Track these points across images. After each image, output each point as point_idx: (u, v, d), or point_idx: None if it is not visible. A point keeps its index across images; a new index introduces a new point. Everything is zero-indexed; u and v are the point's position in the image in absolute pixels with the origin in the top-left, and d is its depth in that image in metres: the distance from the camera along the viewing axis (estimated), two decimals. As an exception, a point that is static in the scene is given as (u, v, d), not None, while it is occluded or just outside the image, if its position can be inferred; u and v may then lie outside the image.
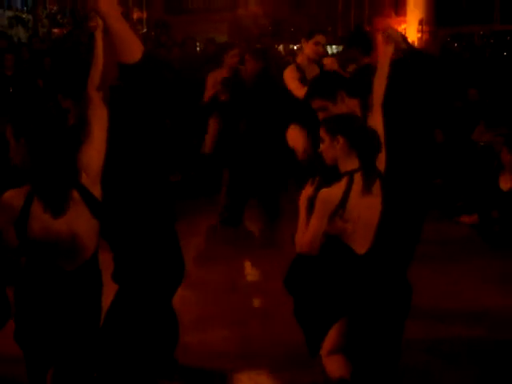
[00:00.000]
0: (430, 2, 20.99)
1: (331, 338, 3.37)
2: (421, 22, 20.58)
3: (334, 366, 3.35)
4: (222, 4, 21.07)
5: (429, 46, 14.73)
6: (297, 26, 17.71)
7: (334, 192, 3.25)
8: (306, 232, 3.29)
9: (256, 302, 5.31)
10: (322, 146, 3.38)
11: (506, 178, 6.96)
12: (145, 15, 19.11)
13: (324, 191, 3.25)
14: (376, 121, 3.51)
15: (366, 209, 3.28)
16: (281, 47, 15.77)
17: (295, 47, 15.50)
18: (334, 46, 18.48)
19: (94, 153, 3.07)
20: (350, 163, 3.30)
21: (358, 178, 3.27)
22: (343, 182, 3.26)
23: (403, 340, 3.85)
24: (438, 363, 4.24)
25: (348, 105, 3.68)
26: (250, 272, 6.05)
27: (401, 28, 20.12)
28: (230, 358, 4.33)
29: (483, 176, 7.18)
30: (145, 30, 18.36)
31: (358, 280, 3.31)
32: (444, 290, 5.37)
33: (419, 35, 19.98)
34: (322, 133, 3.37)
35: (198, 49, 12.34)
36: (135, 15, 18.36)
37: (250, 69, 6.77)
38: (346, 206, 3.22)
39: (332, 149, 3.33)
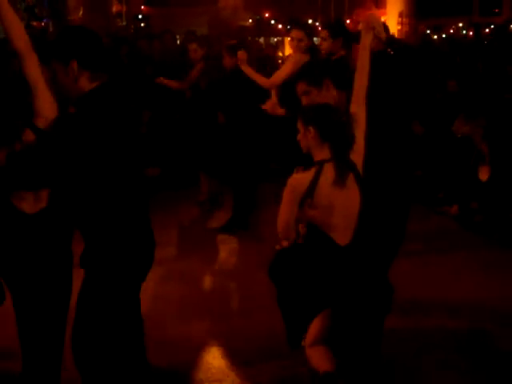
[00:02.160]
0: (410, -6, 21.07)
1: (314, 329, 3.39)
2: (401, 15, 20.63)
3: (318, 359, 3.37)
4: (203, -3, 20.95)
5: (409, 39, 14.76)
6: (277, 18, 17.71)
7: (301, 179, 3.29)
8: (278, 218, 3.34)
9: (237, 295, 5.31)
10: (298, 135, 3.44)
11: (485, 169, 7.02)
12: (124, 8, 18.93)
13: (293, 178, 3.32)
14: (361, 115, 3.53)
15: (343, 200, 3.30)
16: (261, 40, 15.76)
17: (275, 40, 15.50)
18: (314, 39, 18.45)
19: (45, 105, 3.14)
20: (322, 153, 3.34)
21: (329, 168, 3.29)
22: (312, 171, 3.30)
23: (386, 331, 3.87)
24: (420, 353, 4.26)
25: (337, 97, 3.73)
26: (232, 264, 6.05)
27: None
28: (211, 351, 4.34)
29: (463, 167, 7.23)
30: (124, 24, 18.24)
31: (340, 271, 3.32)
32: (426, 280, 5.39)
33: (399, 27, 20.03)
34: (299, 122, 3.42)
35: (178, 42, 12.29)
36: (114, 8, 18.19)
37: (226, 64, 6.90)
38: (313, 194, 3.25)
39: (305, 138, 3.38)
